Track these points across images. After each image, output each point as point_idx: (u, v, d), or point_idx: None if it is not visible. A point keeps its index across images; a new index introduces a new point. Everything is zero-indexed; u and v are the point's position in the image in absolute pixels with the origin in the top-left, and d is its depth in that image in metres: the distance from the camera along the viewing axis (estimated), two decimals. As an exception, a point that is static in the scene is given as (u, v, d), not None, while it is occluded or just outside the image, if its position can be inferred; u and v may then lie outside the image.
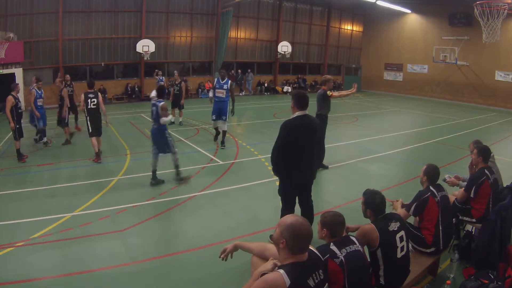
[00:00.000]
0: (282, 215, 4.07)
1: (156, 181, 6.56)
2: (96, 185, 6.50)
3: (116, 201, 5.75)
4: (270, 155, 4.19)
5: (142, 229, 4.91)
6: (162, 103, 6.49)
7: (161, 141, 6.57)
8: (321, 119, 6.96)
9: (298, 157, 4.10)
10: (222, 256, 2.76)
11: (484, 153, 4.39)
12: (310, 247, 2.29)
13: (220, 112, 9.11)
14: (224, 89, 9.04)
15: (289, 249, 2.15)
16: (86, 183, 6.60)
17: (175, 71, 13.75)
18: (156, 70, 15.84)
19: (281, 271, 2.07)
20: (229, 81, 9.16)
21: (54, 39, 16.55)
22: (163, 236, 4.79)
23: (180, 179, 6.65)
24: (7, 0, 15.01)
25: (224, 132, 9.37)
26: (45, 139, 9.34)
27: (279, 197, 4.33)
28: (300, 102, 4.10)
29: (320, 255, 2.34)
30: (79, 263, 4.04)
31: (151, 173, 6.62)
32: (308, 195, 4.47)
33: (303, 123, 4.10)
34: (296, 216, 2.25)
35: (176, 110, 12.46)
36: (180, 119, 12.41)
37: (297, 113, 4.10)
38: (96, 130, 7.96)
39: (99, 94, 8.03)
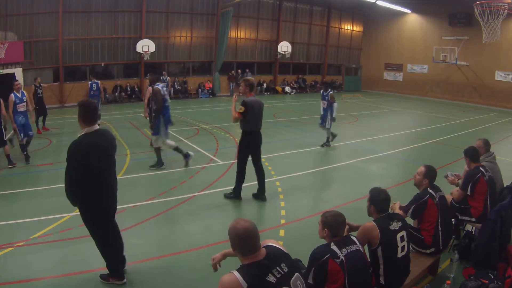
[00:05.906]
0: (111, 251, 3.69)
1: (327, 145, 9.61)
2: (96, 185, 6.46)
3: (116, 201, 5.74)
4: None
5: (142, 229, 4.90)
6: (331, 92, 9.50)
7: (328, 117, 9.44)
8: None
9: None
10: (214, 267, 2.73)
11: (468, 153, 4.44)
12: (272, 244, 2.26)
13: None
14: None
15: (240, 253, 2.15)
16: (86, 183, 6.57)
17: (38, 77, 11.72)
18: (164, 72, 15.91)
19: (237, 274, 2.03)
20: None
21: (54, 39, 16.54)
22: (163, 236, 4.79)
23: (327, 145, 9.61)
24: (7, 0, 15.01)
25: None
26: (25, 152, 7.81)
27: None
28: (91, 114, 3.39)
29: (283, 249, 2.27)
30: (79, 263, 4.04)
31: (326, 140, 9.64)
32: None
33: (106, 139, 3.55)
34: (236, 219, 2.22)
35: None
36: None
37: (88, 128, 3.38)
38: None
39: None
